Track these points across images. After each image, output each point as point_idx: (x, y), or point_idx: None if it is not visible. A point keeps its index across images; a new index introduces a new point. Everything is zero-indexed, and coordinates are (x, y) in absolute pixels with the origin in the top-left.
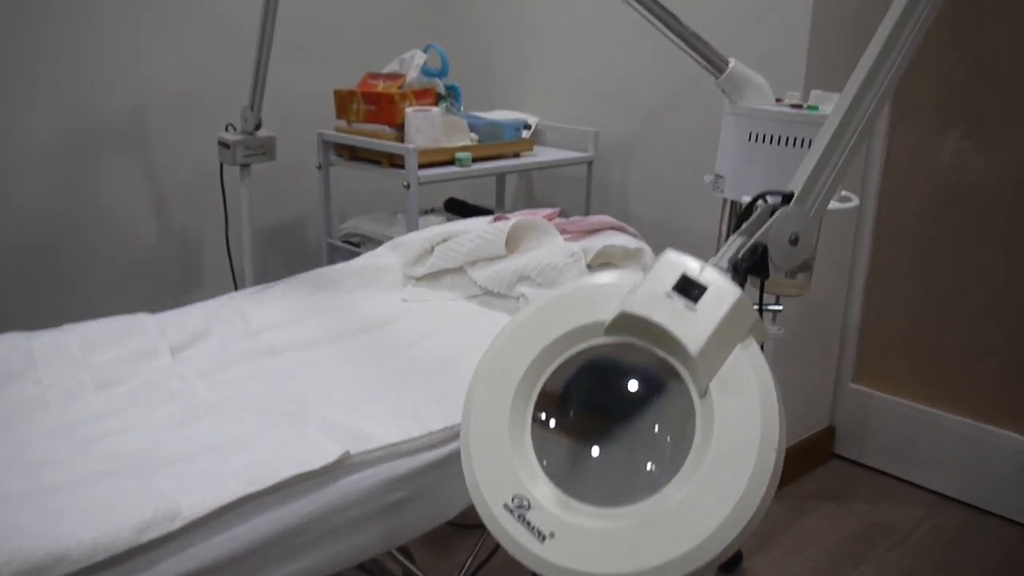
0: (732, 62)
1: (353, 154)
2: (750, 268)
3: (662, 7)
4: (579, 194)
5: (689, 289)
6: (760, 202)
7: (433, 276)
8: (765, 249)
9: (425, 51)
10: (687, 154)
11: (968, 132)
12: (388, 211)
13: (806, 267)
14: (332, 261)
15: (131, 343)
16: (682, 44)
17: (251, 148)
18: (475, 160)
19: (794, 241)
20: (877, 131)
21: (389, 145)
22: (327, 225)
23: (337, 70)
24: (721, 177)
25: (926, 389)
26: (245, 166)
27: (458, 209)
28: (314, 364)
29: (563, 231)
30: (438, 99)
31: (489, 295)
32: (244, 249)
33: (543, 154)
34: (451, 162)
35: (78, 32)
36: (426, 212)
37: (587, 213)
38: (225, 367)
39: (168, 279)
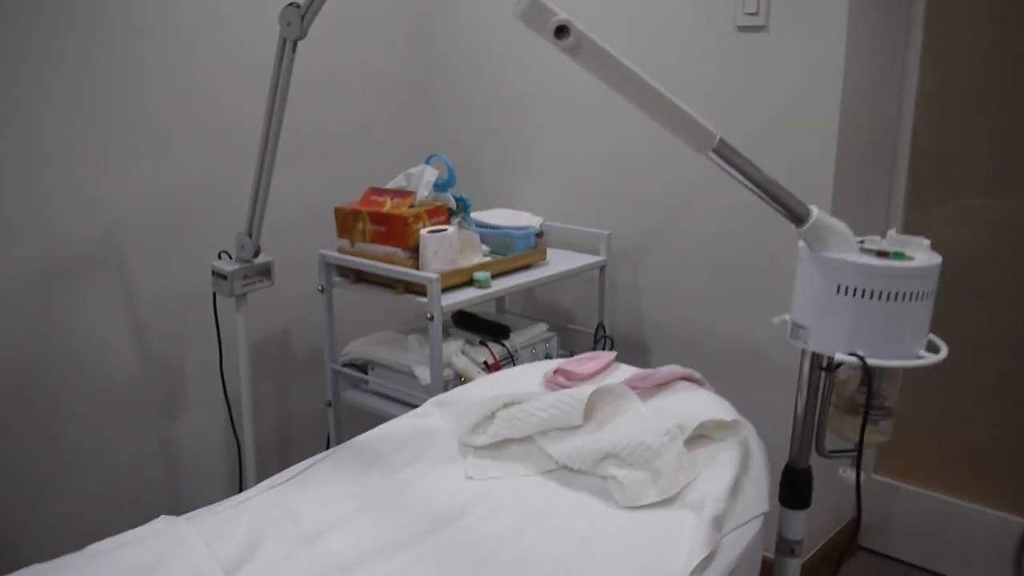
0: (815, 212)
1: (359, 276)
2: None
3: (743, 157)
4: (588, 297)
5: None
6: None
7: (496, 445)
8: None
9: (428, 162)
10: (701, 255)
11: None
12: (394, 330)
13: (889, 414)
14: (338, 388)
15: (178, 570)
16: (760, 193)
17: (249, 277)
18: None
19: None
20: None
21: (407, 273)
22: (331, 350)
23: (328, 176)
24: (802, 328)
25: (950, 479)
26: (242, 295)
27: (468, 324)
28: None
29: (633, 387)
30: (450, 215)
31: (567, 470)
32: (242, 380)
33: (555, 261)
34: (469, 282)
35: (44, 153)
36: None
37: (600, 318)
38: None
39: (151, 408)
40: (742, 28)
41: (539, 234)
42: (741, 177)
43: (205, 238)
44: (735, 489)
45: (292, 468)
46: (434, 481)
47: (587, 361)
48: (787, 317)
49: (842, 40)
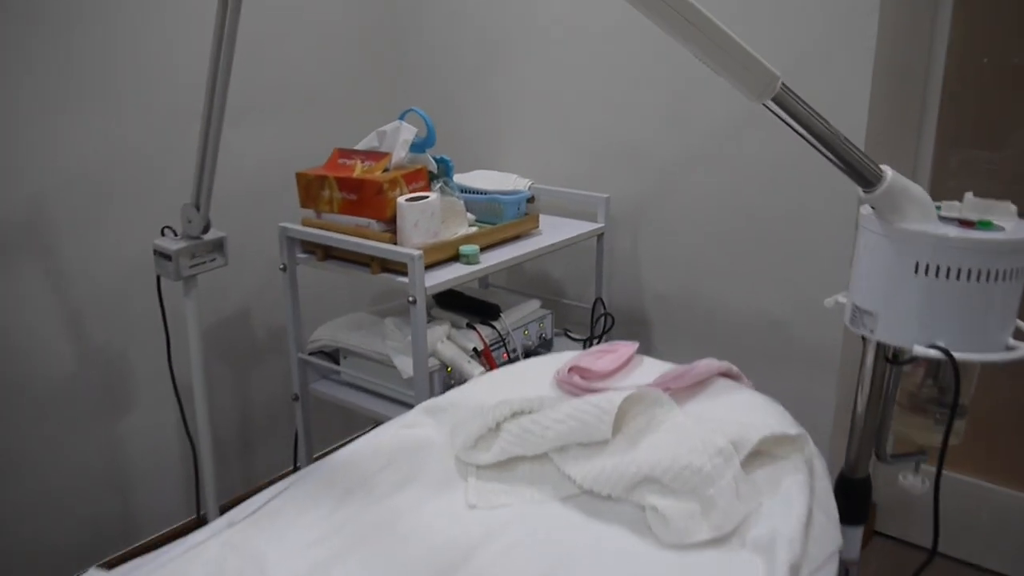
0: (889, 174)
1: (327, 253)
2: None
3: (807, 106)
4: (582, 267)
5: None
6: None
7: (503, 464)
8: None
9: (403, 118)
10: (706, 220)
11: None
12: (367, 311)
13: (963, 412)
14: (306, 380)
15: None
16: (824, 150)
17: (198, 256)
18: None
19: None
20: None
21: (385, 249)
22: (296, 337)
23: (289, 137)
24: (868, 313)
25: (971, 462)
26: (191, 278)
27: (452, 303)
28: None
29: (665, 388)
30: (430, 179)
31: (592, 496)
32: (194, 373)
33: (548, 229)
34: (454, 257)
35: None
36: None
37: (598, 292)
38: None
39: (92, 407)
40: None
41: (530, 199)
42: (802, 130)
43: (146, 210)
44: (808, 523)
45: (255, 499)
46: (431, 510)
47: (604, 354)
48: (842, 299)
49: None
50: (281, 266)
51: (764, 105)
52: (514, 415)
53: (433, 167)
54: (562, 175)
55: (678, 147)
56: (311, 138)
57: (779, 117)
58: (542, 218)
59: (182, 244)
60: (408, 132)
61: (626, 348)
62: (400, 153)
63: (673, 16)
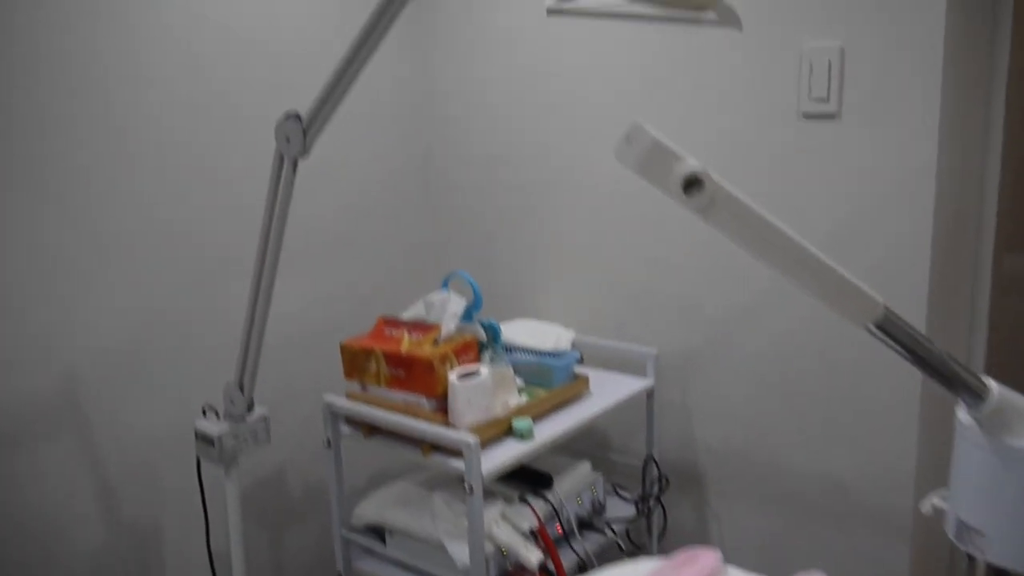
0: (994, 389)
1: (374, 428)
2: None
3: (912, 329)
4: (630, 418)
5: None
6: None
7: None
8: None
9: (446, 286)
10: (762, 373)
11: None
12: (413, 481)
13: None
14: (349, 559)
15: None
16: (926, 370)
17: (240, 437)
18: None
19: None
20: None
21: (438, 434)
22: (340, 514)
23: (322, 289)
24: (976, 532)
25: None
26: (233, 459)
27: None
28: None
29: None
30: (480, 349)
31: None
32: (234, 558)
33: (597, 387)
34: (507, 431)
35: None
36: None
37: (649, 450)
38: None
39: None
40: (809, 116)
41: (580, 359)
42: (904, 352)
43: (179, 378)
44: None
45: None
46: None
47: (685, 567)
48: (939, 502)
49: (934, 131)
50: (325, 441)
51: (867, 329)
52: None
53: (482, 336)
54: (606, 324)
55: (729, 299)
56: (347, 285)
57: (881, 340)
58: (587, 371)
59: (225, 427)
60: (457, 304)
61: (708, 558)
62: (449, 326)
63: (776, 252)
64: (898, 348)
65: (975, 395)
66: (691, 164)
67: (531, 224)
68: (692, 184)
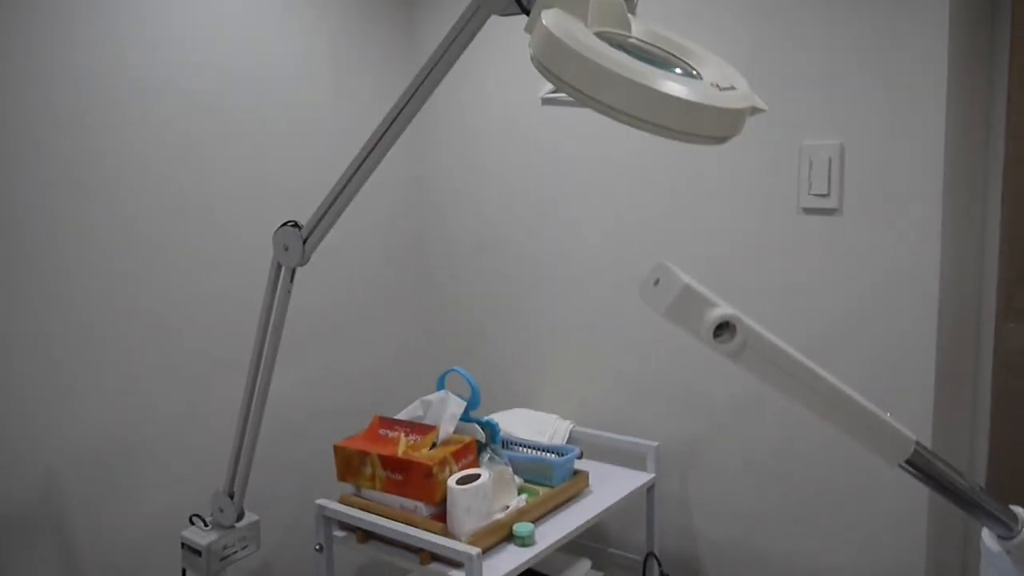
0: None
1: (369, 534)
2: None
3: (943, 463)
4: (630, 508)
5: None
6: None
7: None
8: None
9: (443, 383)
10: (764, 465)
11: None
12: None
13: None
14: None
15: None
16: (956, 502)
17: (229, 546)
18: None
19: None
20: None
21: (437, 544)
22: None
23: (311, 375)
24: None
25: None
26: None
27: None
28: None
29: None
30: (478, 450)
31: None
32: None
33: (596, 481)
34: (507, 536)
35: None
36: None
37: (650, 547)
38: None
39: None
40: (809, 210)
41: (580, 455)
42: (934, 486)
43: (165, 479)
44: None
45: None
46: None
47: None
48: None
49: (936, 224)
50: (317, 546)
51: (900, 466)
52: None
53: (481, 436)
54: (603, 414)
55: (730, 388)
56: (338, 369)
57: (911, 475)
58: (585, 464)
59: (213, 536)
60: (456, 406)
61: None
62: (448, 428)
63: (808, 394)
64: (928, 482)
65: (1005, 527)
66: (724, 311)
67: (525, 311)
68: (723, 328)
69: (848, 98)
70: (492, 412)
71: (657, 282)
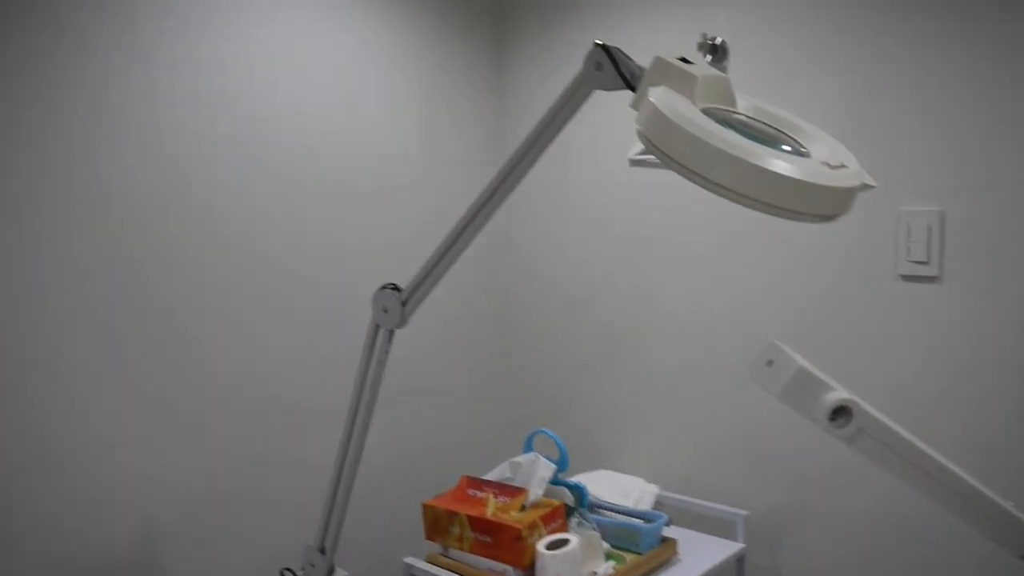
0: None
1: None
2: None
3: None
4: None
5: None
6: None
7: None
8: None
9: (531, 444)
10: (863, 537)
11: None
12: None
13: None
14: None
15: None
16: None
17: None
18: None
19: None
20: None
21: None
22: None
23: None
24: None
25: None
26: None
27: None
28: None
29: None
30: (567, 514)
31: None
32: None
33: (684, 549)
34: None
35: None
36: None
37: None
38: None
39: None
40: (907, 278)
41: (669, 522)
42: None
43: (258, 527)
44: None
45: None
46: None
47: None
48: None
49: None
50: None
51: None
52: None
53: (570, 499)
54: (690, 479)
55: (826, 455)
56: (421, 425)
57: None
58: (672, 530)
59: None
60: (546, 469)
61: None
62: (537, 491)
63: (927, 480)
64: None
65: None
66: (840, 395)
67: (611, 371)
68: (840, 412)
69: (948, 161)
70: (575, 474)
71: (770, 363)
